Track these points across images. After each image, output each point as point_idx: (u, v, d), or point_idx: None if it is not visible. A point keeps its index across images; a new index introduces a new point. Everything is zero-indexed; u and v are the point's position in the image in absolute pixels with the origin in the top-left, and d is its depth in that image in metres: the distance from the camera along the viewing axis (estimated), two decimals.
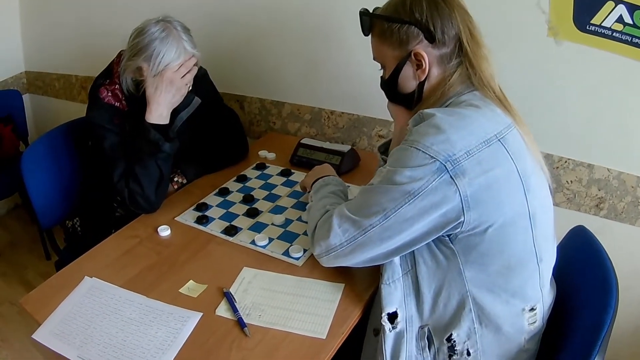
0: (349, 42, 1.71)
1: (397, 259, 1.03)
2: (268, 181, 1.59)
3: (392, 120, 1.21)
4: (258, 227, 1.35)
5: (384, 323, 1.03)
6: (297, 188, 1.53)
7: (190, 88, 1.49)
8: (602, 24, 1.36)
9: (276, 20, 1.88)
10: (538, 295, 1.02)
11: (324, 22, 1.77)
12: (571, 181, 1.57)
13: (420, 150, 0.92)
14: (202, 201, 1.47)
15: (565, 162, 1.55)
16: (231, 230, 1.33)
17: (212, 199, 1.49)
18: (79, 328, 1.06)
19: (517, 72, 1.51)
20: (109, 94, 1.48)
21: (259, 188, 1.55)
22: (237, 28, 1.98)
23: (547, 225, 1.03)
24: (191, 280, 1.17)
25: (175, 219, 1.41)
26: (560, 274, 1.15)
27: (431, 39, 1.01)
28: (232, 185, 1.57)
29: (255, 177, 1.61)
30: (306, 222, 1.31)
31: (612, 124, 1.47)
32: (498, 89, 1.03)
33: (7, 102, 2.52)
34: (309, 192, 1.28)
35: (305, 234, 1.31)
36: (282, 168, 1.66)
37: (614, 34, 1.36)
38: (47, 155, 1.72)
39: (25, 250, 2.60)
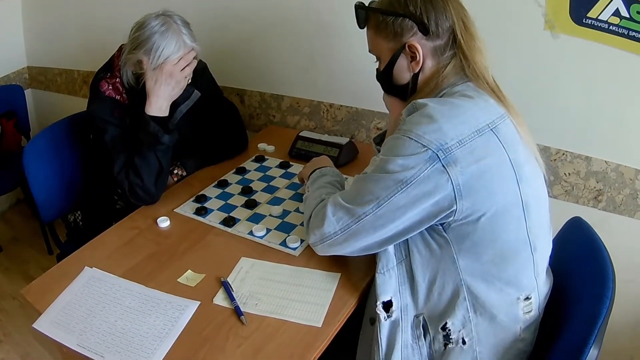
0: (347, 37, 1.72)
1: (391, 248, 1.05)
2: (267, 173, 1.62)
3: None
4: (256, 218, 1.38)
5: (378, 312, 1.05)
6: (296, 180, 1.55)
7: (190, 81, 1.51)
8: (599, 18, 1.37)
9: (276, 15, 1.90)
10: (533, 284, 1.03)
11: (324, 17, 1.79)
12: (569, 173, 1.58)
13: (412, 139, 0.94)
14: (201, 193, 1.50)
15: (563, 154, 1.57)
16: (229, 221, 1.36)
17: (211, 191, 1.52)
18: (79, 317, 1.09)
19: (514, 66, 1.52)
20: (110, 87, 1.51)
21: (257, 180, 1.57)
22: (238, 23, 2.00)
23: (541, 215, 1.04)
24: (189, 270, 1.20)
25: (174, 210, 1.44)
26: (557, 265, 1.17)
27: (425, 31, 1.03)
28: (231, 177, 1.59)
29: (254, 170, 1.64)
30: (303, 213, 1.34)
31: (609, 117, 1.48)
32: (492, 80, 1.05)
33: (9, 97, 2.55)
34: (307, 183, 1.31)
35: (302, 224, 1.34)
36: (281, 160, 1.68)
37: (611, 27, 1.37)
38: (48, 148, 1.74)
39: (27, 245, 2.64)
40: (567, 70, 1.48)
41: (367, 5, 1.11)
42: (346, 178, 1.36)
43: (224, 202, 1.46)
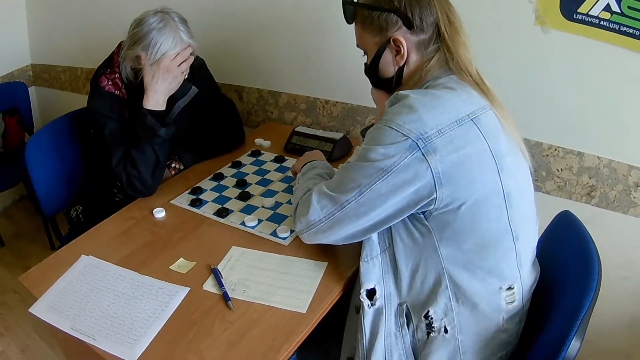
0: (343, 34, 1.75)
1: (375, 237, 1.09)
2: (262, 167, 1.68)
3: None
4: (249, 210, 1.44)
5: (362, 299, 1.09)
6: (289, 173, 1.61)
7: (186, 76, 1.58)
8: (589, 13, 1.41)
9: (273, 13, 1.96)
10: (515, 274, 1.06)
11: (320, 15, 1.84)
12: (561, 169, 1.61)
13: (393, 128, 0.98)
14: (197, 185, 1.57)
15: (555, 149, 1.60)
16: (223, 212, 1.42)
17: (207, 184, 1.58)
18: (73, 302, 1.14)
19: (505, 61, 1.56)
20: (110, 82, 1.57)
21: (252, 173, 1.63)
22: (236, 21, 2.06)
23: (524, 206, 1.07)
24: (181, 258, 1.26)
25: (170, 201, 1.50)
26: (545, 257, 1.19)
27: (409, 25, 1.07)
28: (227, 170, 1.66)
29: (250, 163, 1.70)
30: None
31: (601, 112, 1.51)
32: (475, 73, 1.08)
33: (13, 94, 2.63)
34: (298, 175, 1.35)
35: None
36: (276, 155, 1.74)
37: (602, 22, 1.40)
38: (50, 143, 1.81)
39: (30, 240, 2.71)
40: (558, 66, 1.51)
41: (354, 0, 1.16)
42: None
43: (219, 194, 1.52)
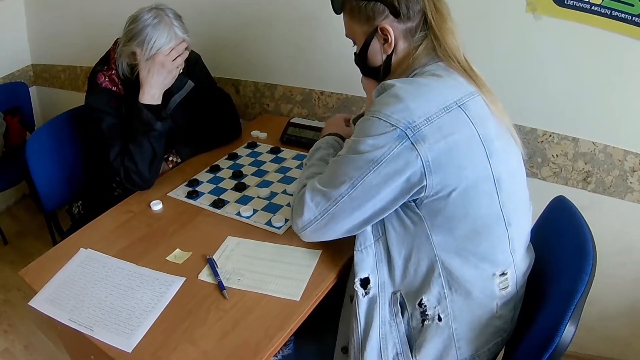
0: (336, 26, 1.76)
1: (368, 226, 1.10)
2: (258, 158, 1.70)
3: None
4: (244, 200, 1.46)
5: (356, 288, 1.10)
6: (285, 164, 1.64)
7: (182, 71, 1.60)
8: None
9: (267, 6, 1.98)
10: (509, 260, 1.07)
11: (313, 6, 1.86)
12: (557, 155, 1.62)
13: (381, 119, 0.98)
14: (193, 177, 1.59)
15: (550, 136, 1.61)
16: (219, 203, 1.44)
17: (203, 176, 1.61)
18: (72, 294, 1.17)
19: (498, 49, 1.58)
20: (106, 79, 1.60)
21: (248, 165, 1.66)
22: (231, 15, 2.08)
23: (516, 190, 1.08)
24: (178, 249, 1.28)
25: (167, 194, 1.53)
26: (539, 243, 1.20)
27: (396, 14, 1.07)
28: (223, 162, 1.68)
29: (246, 155, 1.73)
30: (290, 195, 1.42)
31: (595, 97, 1.52)
32: (463, 60, 1.08)
33: (14, 94, 2.65)
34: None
35: (288, 205, 1.42)
36: (272, 146, 1.77)
37: (593, 7, 1.41)
38: (51, 140, 1.85)
39: (33, 238, 2.74)
40: (550, 52, 1.52)
41: None
42: None
43: (215, 186, 1.55)
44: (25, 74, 2.94)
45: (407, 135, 0.96)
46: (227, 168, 1.64)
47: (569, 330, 0.91)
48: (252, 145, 1.79)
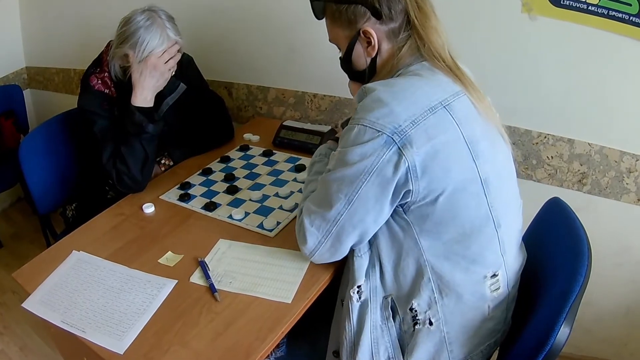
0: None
1: None
2: (250, 161, 1.72)
3: None
4: (236, 203, 1.48)
5: (352, 294, 1.10)
6: (277, 167, 1.66)
7: (174, 73, 1.61)
8: None
9: (260, 9, 1.99)
10: (499, 261, 1.07)
11: (305, 10, 1.84)
12: (552, 157, 1.63)
13: (366, 126, 0.98)
14: (185, 180, 1.61)
15: (545, 137, 1.62)
16: (211, 206, 1.46)
17: (196, 179, 1.63)
18: (64, 296, 1.18)
19: (493, 49, 1.59)
20: (99, 81, 1.62)
21: (240, 168, 1.67)
22: (224, 18, 2.10)
23: (505, 191, 1.08)
24: (170, 252, 1.30)
25: (159, 197, 1.54)
26: (534, 244, 1.21)
27: (378, 16, 1.06)
28: (216, 165, 1.70)
29: (238, 158, 1.74)
30: (283, 197, 1.45)
31: (591, 98, 1.52)
32: (449, 58, 1.08)
33: (8, 97, 2.65)
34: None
35: (280, 207, 1.44)
36: (265, 149, 1.78)
37: (589, 7, 1.42)
38: (44, 143, 1.86)
39: (28, 241, 2.76)
40: (546, 53, 1.53)
41: None
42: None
43: (207, 189, 1.56)
44: (19, 76, 2.96)
45: (394, 140, 0.96)
46: (220, 171, 1.66)
47: (563, 331, 0.91)
48: (245, 148, 1.80)
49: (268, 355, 1.27)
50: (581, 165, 1.60)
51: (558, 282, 1.05)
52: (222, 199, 1.50)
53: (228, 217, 1.41)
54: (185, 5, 2.03)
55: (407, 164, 0.96)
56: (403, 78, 1.05)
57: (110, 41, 1.62)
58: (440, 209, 1.00)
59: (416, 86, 1.01)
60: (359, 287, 1.10)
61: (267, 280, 1.18)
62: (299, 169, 1.62)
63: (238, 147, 1.82)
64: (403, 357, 1.09)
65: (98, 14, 2.46)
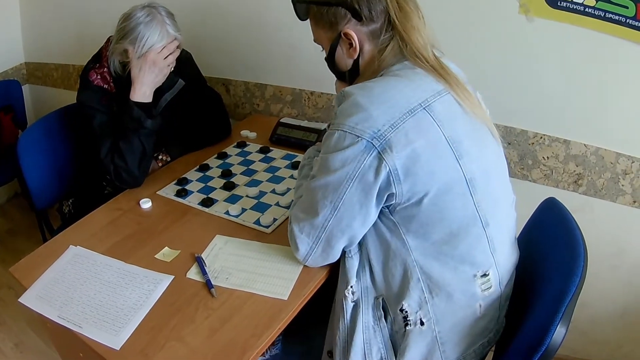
0: None
1: None
2: (247, 158, 1.72)
3: None
4: (233, 199, 1.48)
5: (347, 294, 1.11)
6: (274, 164, 1.67)
7: (173, 69, 1.62)
8: (574, 0, 1.42)
9: (259, 7, 2.00)
10: (490, 260, 1.07)
11: None
12: (547, 157, 1.63)
13: (346, 132, 0.98)
14: (183, 176, 1.62)
15: (541, 137, 1.62)
16: (208, 202, 1.46)
17: (193, 174, 1.63)
18: (61, 291, 1.18)
19: (490, 51, 1.59)
20: (98, 76, 1.62)
21: (237, 164, 1.68)
22: (223, 15, 2.10)
23: (493, 189, 1.07)
24: (166, 247, 1.30)
25: (156, 192, 1.55)
26: (530, 244, 1.22)
27: (358, 17, 1.06)
28: (213, 161, 1.71)
29: (235, 154, 1.75)
30: (279, 194, 1.46)
31: (587, 100, 1.53)
32: (432, 58, 1.07)
33: (7, 92, 2.65)
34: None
35: (277, 204, 1.45)
36: (261, 145, 1.79)
37: (587, 9, 1.42)
38: (42, 138, 1.86)
39: (24, 237, 2.76)
40: (543, 54, 1.53)
41: None
42: None
43: (204, 185, 1.57)
44: (18, 72, 2.96)
45: (373, 145, 0.96)
46: (217, 167, 1.67)
47: (559, 332, 0.91)
48: (242, 144, 1.81)
49: (264, 353, 1.28)
50: (577, 166, 1.61)
51: (554, 283, 1.05)
52: (219, 195, 1.51)
53: (225, 213, 1.41)
54: (184, 2, 2.03)
55: (388, 168, 0.96)
56: (382, 80, 1.04)
57: (110, 37, 1.62)
58: (426, 210, 1.00)
59: (396, 89, 1.01)
60: (351, 287, 1.11)
61: (264, 277, 1.19)
62: (296, 165, 1.63)
63: (235, 143, 1.82)
64: (395, 358, 1.09)
65: (97, 10, 2.46)
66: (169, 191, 1.55)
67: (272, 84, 2.12)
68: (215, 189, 1.54)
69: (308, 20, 1.17)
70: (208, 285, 1.17)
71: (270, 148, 1.77)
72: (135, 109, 1.52)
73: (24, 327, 2.18)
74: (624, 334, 1.82)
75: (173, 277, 1.20)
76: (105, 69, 1.62)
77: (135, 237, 1.36)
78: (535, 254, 1.20)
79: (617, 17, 1.40)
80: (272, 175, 1.60)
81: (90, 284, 1.20)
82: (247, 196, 1.49)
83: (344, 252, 1.13)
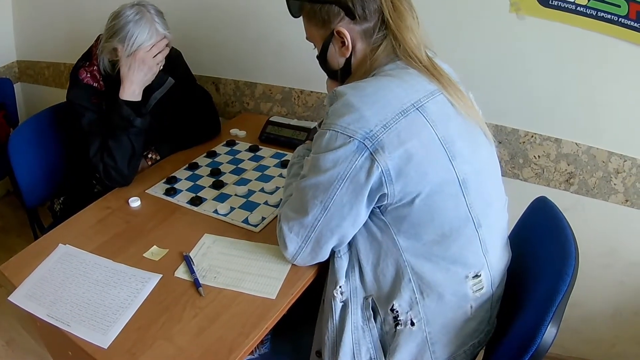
0: None
1: None
2: (236, 156, 1.73)
3: None
4: (222, 198, 1.49)
5: (336, 294, 1.11)
6: (263, 162, 1.68)
7: (162, 67, 1.62)
8: None
9: (248, 5, 2.00)
10: (481, 261, 1.07)
11: None
12: (539, 156, 1.64)
13: (338, 132, 0.98)
14: (172, 175, 1.62)
15: (532, 136, 1.63)
16: (196, 201, 1.47)
17: (182, 173, 1.64)
18: (50, 290, 1.19)
19: (481, 49, 1.60)
20: (88, 75, 1.63)
21: (226, 163, 1.69)
22: (213, 13, 2.11)
23: (485, 190, 1.08)
24: (155, 246, 1.31)
25: (145, 191, 1.56)
26: (520, 243, 1.22)
27: (351, 15, 1.06)
28: (202, 160, 1.72)
29: (225, 153, 1.76)
30: (268, 193, 1.46)
31: (579, 98, 1.54)
32: (425, 58, 1.07)
33: None
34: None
35: (265, 203, 1.46)
36: (251, 144, 1.80)
37: (578, 8, 1.43)
38: (33, 136, 1.87)
39: (15, 235, 2.76)
40: (534, 53, 1.54)
41: None
42: None
43: (193, 183, 1.58)
44: (10, 70, 2.96)
45: (365, 145, 0.96)
46: (206, 166, 1.68)
47: (550, 332, 0.91)
48: (231, 143, 1.82)
49: (252, 352, 1.28)
50: (568, 165, 1.61)
51: (545, 282, 1.05)
52: (208, 193, 1.52)
53: (213, 212, 1.42)
54: (174, 0, 2.03)
55: (380, 169, 0.97)
56: (375, 80, 1.04)
57: (100, 35, 1.62)
58: (418, 211, 1.00)
59: (388, 89, 1.01)
60: (340, 287, 1.11)
61: (252, 276, 1.19)
62: (285, 164, 1.64)
63: (224, 142, 1.83)
64: (385, 358, 1.10)
65: (88, 8, 2.46)
66: (157, 190, 1.55)
67: (262, 82, 2.13)
68: (204, 187, 1.55)
69: (300, 17, 1.16)
70: (196, 284, 1.17)
71: (260, 147, 1.78)
72: (125, 107, 1.53)
73: (15, 325, 2.18)
74: (616, 333, 1.83)
75: (161, 275, 1.21)
76: (95, 67, 1.63)
77: (124, 235, 1.37)
78: (526, 254, 1.21)
79: (609, 16, 1.41)
80: (261, 174, 1.61)
81: (79, 283, 1.21)
82: (236, 195, 1.50)
83: (333, 252, 1.13)
